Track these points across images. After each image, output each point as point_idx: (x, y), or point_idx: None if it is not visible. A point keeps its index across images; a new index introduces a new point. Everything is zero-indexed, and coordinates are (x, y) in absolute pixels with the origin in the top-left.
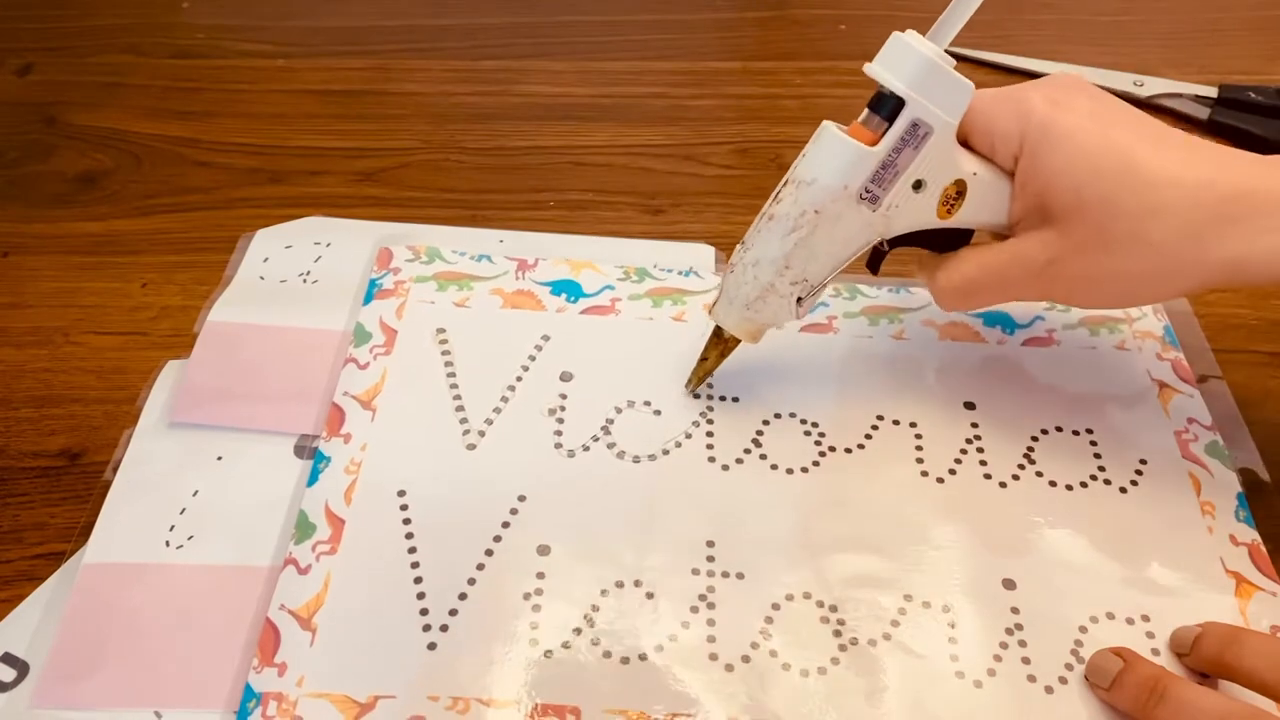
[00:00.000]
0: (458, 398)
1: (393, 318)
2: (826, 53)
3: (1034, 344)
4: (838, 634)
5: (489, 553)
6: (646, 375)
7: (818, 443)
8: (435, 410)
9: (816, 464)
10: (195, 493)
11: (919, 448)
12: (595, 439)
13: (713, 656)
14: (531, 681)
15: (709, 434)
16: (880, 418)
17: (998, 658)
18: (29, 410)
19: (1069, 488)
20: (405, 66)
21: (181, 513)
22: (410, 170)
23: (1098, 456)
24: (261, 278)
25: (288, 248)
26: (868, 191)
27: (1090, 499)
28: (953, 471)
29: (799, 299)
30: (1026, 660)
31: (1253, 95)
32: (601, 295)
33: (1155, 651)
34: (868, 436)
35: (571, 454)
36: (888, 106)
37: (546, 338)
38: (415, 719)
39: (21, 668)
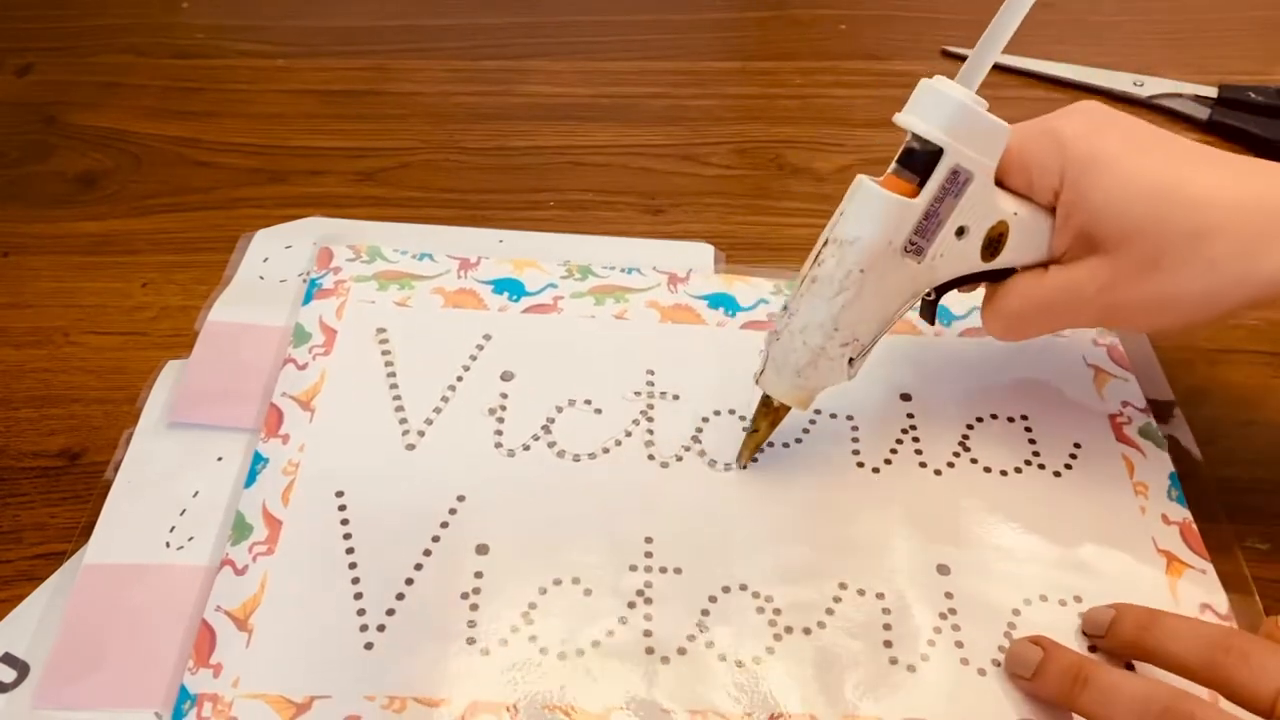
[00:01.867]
0: (397, 398)
1: (332, 318)
2: (826, 53)
3: (971, 334)
4: (773, 624)
5: (427, 553)
6: (588, 374)
7: None
8: (374, 410)
9: (755, 459)
10: (195, 493)
11: (855, 439)
12: (535, 438)
13: (649, 650)
14: (468, 679)
15: (649, 431)
16: (818, 411)
17: (931, 643)
18: (29, 410)
19: (1004, 473)
20: (405, 66)
21: (182, 513)
22: (410, 170)
23: (1032, 442)
24: (261, 278)
25: (288, 248)
26: (912, 244)
27: (1025, 484)
28: (888, 461)
29: (850, 359)
30: (960, 644)
31: (1253, 95)
32: (544, 294)
33: (1088, 633)
34: (805, 431)
35: (511, 453)
36: (924, 156)
37: (488, 337)
38: (351, 719)
39: (21, 668)
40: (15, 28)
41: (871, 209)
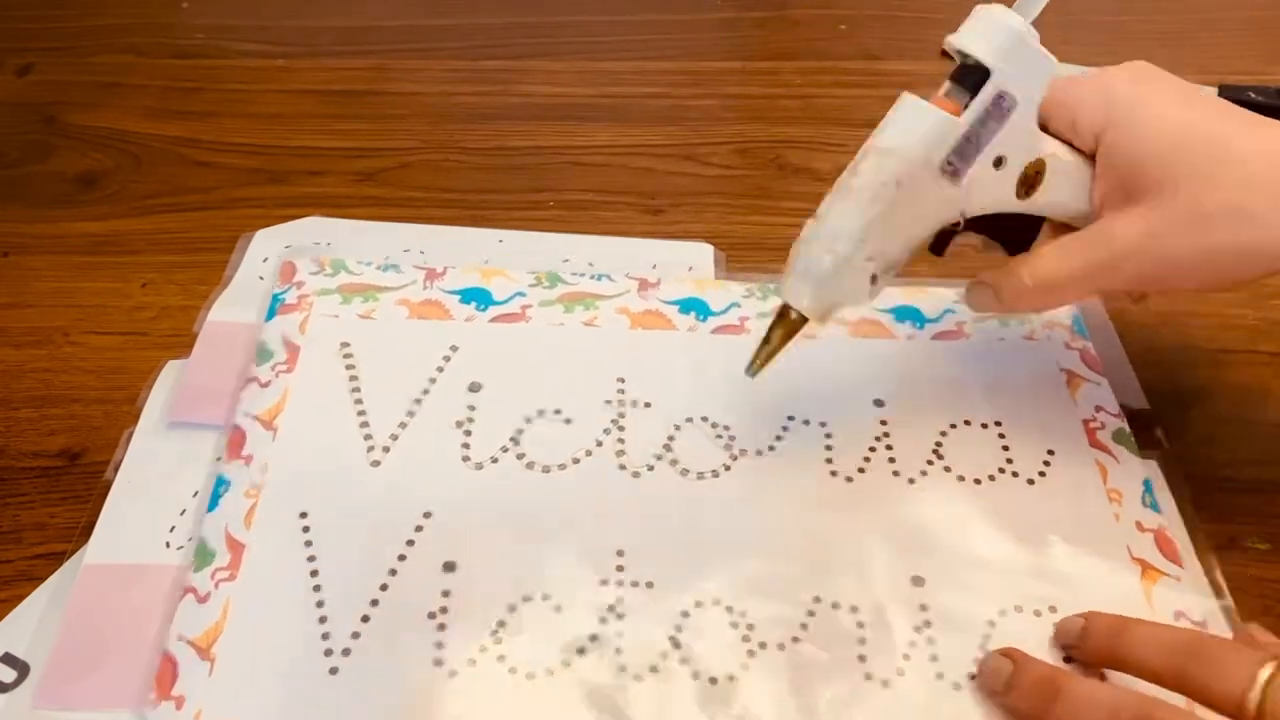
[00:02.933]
0: (362, 413)
1: (296, 333)
2: (826, 53)
3: (944, 337)
4: (746, 639)
5: (393, 572)
6: (557, 383)
7: (728, 446)
8: (338, 427)
9: (728, 468)
10: (195, 493)
11: (829, 447)
12: (504, 450)
13: (621, 669)
14: (436, 703)
15: (620, 441)
16: (791, 418)
17: (906, 656)
18: (29, 410)
19: (977, 481)
20: (405, 66)
21: (181, 513)
22: (410, 170)
23: (1006, 449)
24: (261, 278)
25: (287, 248)
26: (950, 164)
27: (998, 492)
28: (861, 470)
29: (873, 276)
30: (935, 658)
31: (1253, 95)
32: (512, 302)
33: (1060, 643)
34: (778, 438)
35: (479, 466)
36: (972, 77)
37: (455, 348)
38: None
39: (22, 668)
40: (15, 28)
41: (914, 121)
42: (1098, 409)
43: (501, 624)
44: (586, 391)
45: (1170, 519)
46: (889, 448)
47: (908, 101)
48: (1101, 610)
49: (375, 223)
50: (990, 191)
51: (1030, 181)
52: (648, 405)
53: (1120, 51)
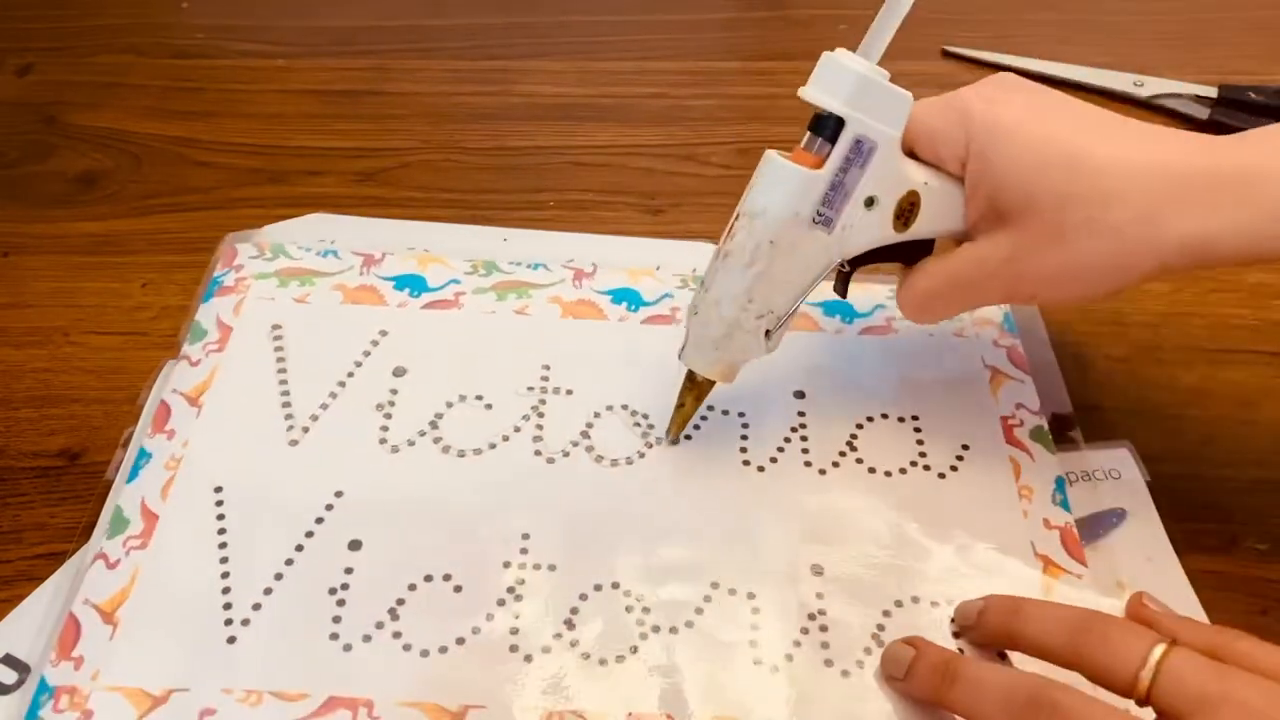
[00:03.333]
0: (285, 394)
1: (230, 315)
2: None
3: (872, 332)
4: (640, 623)
5: (299, 548)
6: (482, 370)
7: (645, 434)
8: (260, 406)
9: (642, 455)
10: None
11: (744, 437)
12: (421, 434)
13: (513, 648)
14: (327, 674)
15: (539, 427)
16: (710, 408)
17: (797, 643)
18: (29, 410)
19: (888, 474)
20: (405, 66)
21: None
22: (410, 170)
23: (920, 443)
24: None
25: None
26: (820, 215)
27: (908, 484)
28: (774, 460)
29: (767, 331)
30: (825, 645)
31: (1253, 95)
32: (446, 289)
33: (958, 634)
34: (696, 427)
35: (395, 449)
36: (828, 127)
37: (384, 333)
38: (206, 711)
39: (22, 669)
40: (15, 28)
41: (777, 181)
42: (1018, 406)
43: (400, 601)
44: (510, 378)
45: (1144, 512)
46: (804, 439)
47: (770, 160)
48: None
49: (379, 220)
50: (867, 231)
51: (906, 214)
52: (569, 393)
53: (1120, 51)
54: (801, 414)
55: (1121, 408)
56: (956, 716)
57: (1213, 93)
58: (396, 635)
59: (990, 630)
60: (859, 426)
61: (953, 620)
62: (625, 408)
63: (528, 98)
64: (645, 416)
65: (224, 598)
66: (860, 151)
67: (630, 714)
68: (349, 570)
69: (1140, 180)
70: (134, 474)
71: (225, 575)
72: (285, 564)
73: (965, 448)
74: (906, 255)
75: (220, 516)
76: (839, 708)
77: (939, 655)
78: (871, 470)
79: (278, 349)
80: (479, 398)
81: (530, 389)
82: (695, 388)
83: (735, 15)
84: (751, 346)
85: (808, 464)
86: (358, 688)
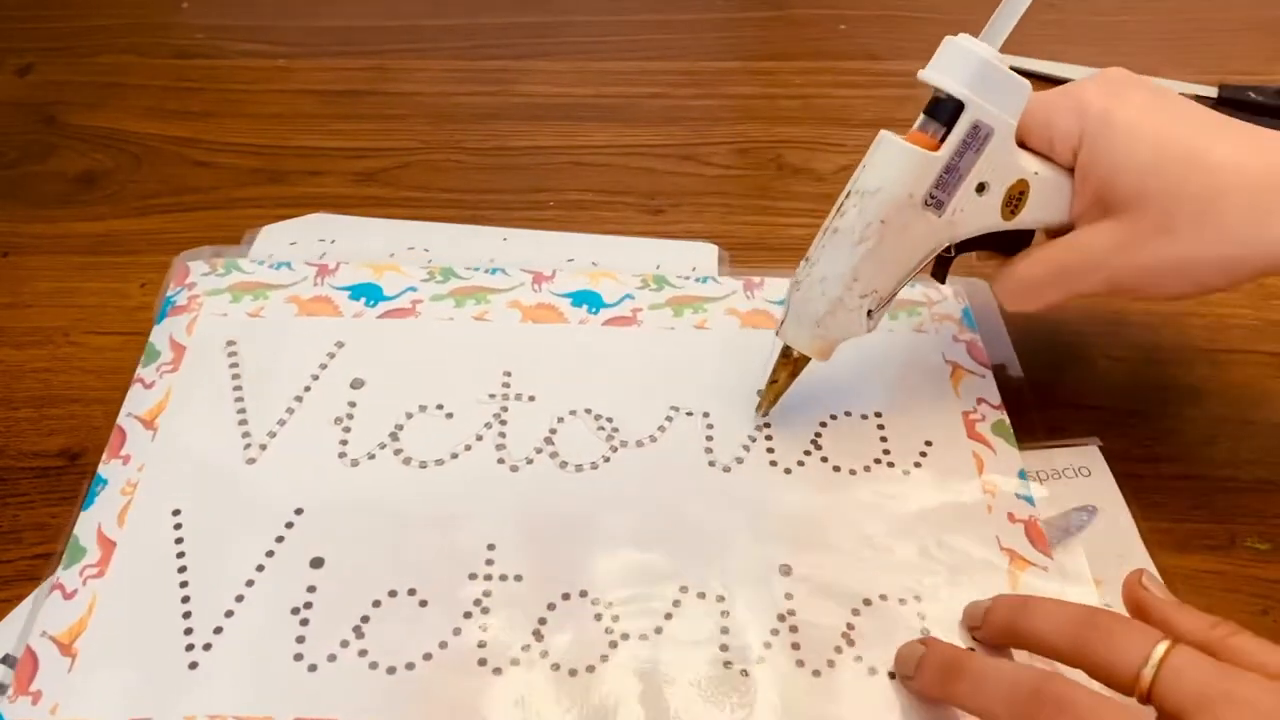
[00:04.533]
0: (241, 411)
1: (183, 334)
2: (826, 53)
3: None
4: (609, 631)
5: (260, 568)
6: (442, 378)
7: (610, 438)
8: (217, 425)
9: (607, 459)
10: None
11: (709, 438)
12: (382, 446)
13: (482, 662)
14: (291, 696)
15: (501, 434)
16: (675, 409)
17: (767, 644)
18: (29, 410)
19: (853, 472)
20: (405, 66)
21: None
22: (410, 170)
23: (884, 440)
24: None
25: (292, 244)
26: (932, 198)
27: (873, 482)
28: (739, 460)
29: (869, 311)
30: (796, 645)
31: (1253, 95)
32: (402, 298)
33: (925, 630)
34: (660, 429)
35: (355, 463)
36: (946, 111)
37: (340, 344)
38: None
39: None
40: (15, 28)
41: (893, 161)
42: (979, 401)
43: (365, 619)
44: (471, 386)
45: (1114, 509)
46: (769, 438)
47: (886, 140)
48: (967, 595)
49: (379, 219)
50: (976, 217)
51: (1015, 202)
52: (531, 399)
53: (1120, 51)
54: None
55: (1121, 408)
56: (956, 716)
57: (1213, 93)
58: (362, 653)
59: (997, 628)
60: (823, 425)
61: (921, 617)
62: (589, 412)
63: (528, 98)
64: (609, 420)
65: (185, 623)
66: (977, 136)
67: None
68: (311, 589)
69: (1252, 180)
70: (89, 501)
71: (185, 600)
72: (246, 585)
73: (928, 444)
74: (1007, 245)
75: (179, 540)
76: (812, 708)
77: (946, 652)
78: (836, 468)
79: (232, 365)
80: (439, 407)
81: (491, 396)
82: (791, 364)
83: (735, 15)
84: (853, 325)
85: (773, 463)
86: (324, 708)
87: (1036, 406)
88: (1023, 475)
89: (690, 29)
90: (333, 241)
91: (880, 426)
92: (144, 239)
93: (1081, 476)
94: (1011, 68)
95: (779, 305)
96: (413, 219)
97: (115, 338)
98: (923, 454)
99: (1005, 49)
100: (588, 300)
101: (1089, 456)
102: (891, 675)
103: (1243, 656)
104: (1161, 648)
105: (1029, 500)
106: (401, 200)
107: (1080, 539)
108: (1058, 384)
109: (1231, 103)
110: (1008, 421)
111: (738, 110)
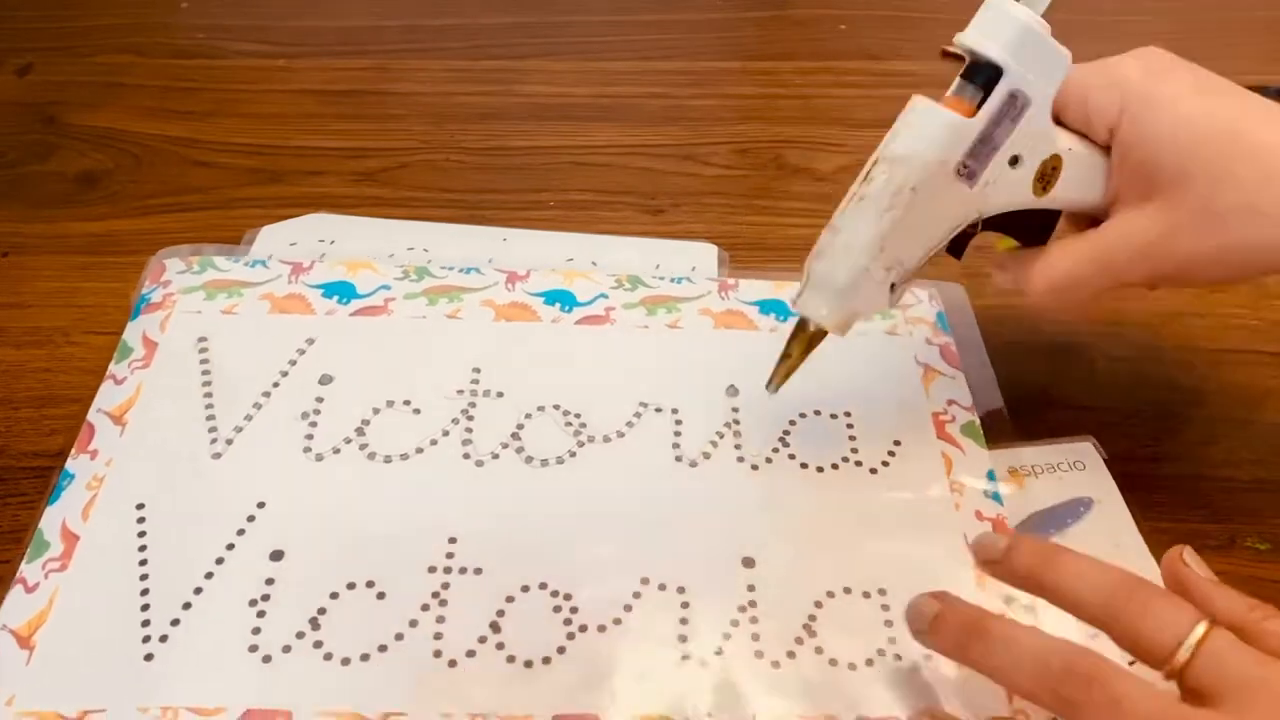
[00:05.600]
0: (210, 406)
1: (156, 331)
2: (826, 53)
3: None
4: (568, 622)
5: (220, 561)
6: (410, 374)
7: (577, 433)
8: (184, 420)
9: (573, 454)
10: None
11: (677, 433)
12: (347, 441)
13: (437, 654)
14: (245, 687)
15: (468, 430)
16: (644, 405)
17: (727, 635)
18: (29, 410)
19: (820, 470)
20: (405, 66)
21: None
22: (410, 170)
23: (853, 438)
24: None
25: (292, 244)
26: (965, 167)
27: (840, 480)
28: (706, 455)
29: (892, 285)
30: (756, 637)
31: None
32: (375, 296)
33: (889, 623)
34: (629, 425)
35: (320, 458)
36: (984, 75)
37: (310, 341)
38: None
39: None
40: (15, 28)
41: (926, 126)
42: (950, 402)
43: (322, 611)
44: (439, 382)
45: (1111, 500)
46: (737, 434)
47: (920, 104)
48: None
49: (379, 220)
50: (1007, 191)
51: (1047, 178)
52: (500, 395)
53: (1120, 51)
54: (735, 410)
55: (1121, 408)
56: (912, 707)
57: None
58: (317, 645)
59: (1019, 571)
60: (792, 423)
61: (884, 609)
62: (557, 407)
63: (528, 98)
64: (578, 415)
65: (143, 615)
66: (1014, 105)
67: (555, 716)
68: (270, 581)
69: None
70: (55, 496)
71: (145, 592)
72: (205, 578)
73: (897, 443)
74: (1030, 228)
75: (142, 534)
76: (769, 699)
77: (968, 610)
78: (804, 466)
79: (203, 362)
80: (407, 403)
81: (460, 392)
82: (806, 337)
83: (735, 15)
84: (876, 298)
85: (740, 460)
86: (276, 699)
87: (1020, 411)
88: (991, 475)
89: (690, 29)
90: (332, 242)
91: (850, 426)
92: (144, 239)
93: (1076, 470)
94: None
95: (753, 306)
96: (413, 219)
97: (115, 338)
98: (891, 453)
99: None
100: (561, 299)
101: (1083, 451)
102: (851, 667)
103: (1273, 640)
104: (1201, 628)
105: (996, 499)
106: (401, 200)
107: (1076, 530)
108: (1058, 385)
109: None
110: (978, 423)
111: (738, 110)
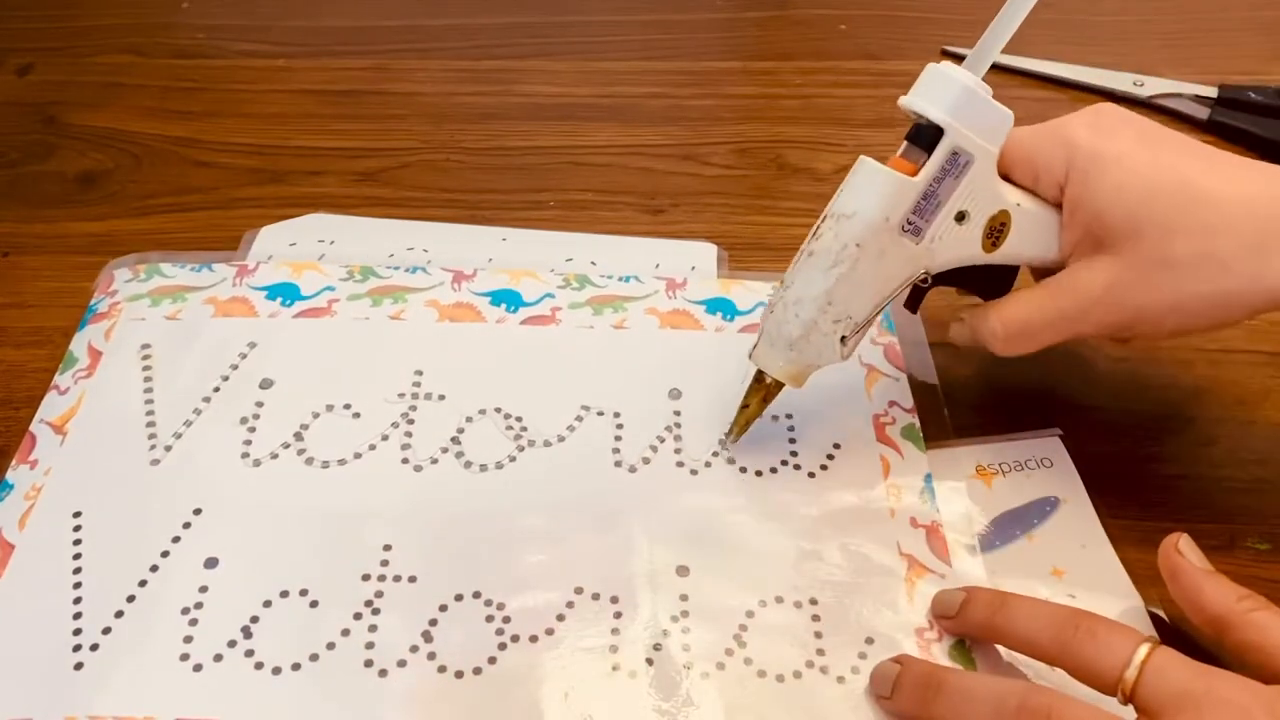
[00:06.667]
0: (150, 414)
1: (100, 340)
2: (826, 53)
3: (751, 330)
4: (500, 632)
5: (154, 568)
6: (351, 378)
7: (518, 437)
8: (124, 428)
9: (513, 459)
10: None
11: (618, 438)
12: (285, 446)
13: (368, 663)
14: (174, 696)
15: (407, 434)
16: (586, 408)
17: (658, 646)
18: (29, 410)
19: (759, 473)
20: (405, 66)
21: None
22: (410, 170)
23: (793, 441)
24: None
25: (292, 245)
26: (910, 223)
27: (779, 484)
28: (646, 460)
29: (843, 338)
30: (687, 647)
31: (1253, 95)
32: (319, 297)
33: (819, 634)
34: (570, 429)
35: (258, 463)
36: (926, 136)
37: (253, 344)
38: None
39: None
40: (15, 28)
41: (870, 185)
42: (891, 404)
43: (254, 619)
44: (380, 386)
45: (1077, 500)
46: (678, 438)
47: (864, 165)
48: (861, 601)
49: (379, 219)
50: (955, 247)
51: (996, 234)
52: (441, 398)
53: (1120, 51)
54: (677, 413)
55: (1122, 408)
56: None
57: (1213, 93)
58: (249, 654)
59: (974, 622)
60: None
61: (815, 620)
62: (499, 411)
63: (528, 98)
64: (519, 419)
65: (74, 623)
66: (956, 163)
67: None
68: (204, 589)
69: (1248, 213)
70: None
71: (78, 601)
72: (139, 585)
73: (836, 446)
74: (987, 284)
75: (77, 542)
76: (697, 711)
77: (923, 668)
78: (743, 470)
79: (145, 369)
80: (347, 407)
81: (400, 396)
82: (763, 389)
83: (735, 15)
84: (826, 351)
85: (680, 464)
86: (205, 709)
87: (1020, 410)
88: (929, 480)
89: (690, 29)
90: (332, 242)
91: (790, 428)
92: (144, 239)
93: (1043, 468)
94: (1010, 68)
95: (699, 305)
96: (412, 219)
97: None
98: (830, 456)
99: (1005, 48)
100: (507, 299)
101: (1050, 448)
102: (780, 679)
103: (1266, 632)
104: (1144, 649)
105: (933, 505)
106: (401, 200)
107: (1042, 530)
108: (1058, 386)
109: (1231, 103)
110: (918, 425)
111: (738, 110)
